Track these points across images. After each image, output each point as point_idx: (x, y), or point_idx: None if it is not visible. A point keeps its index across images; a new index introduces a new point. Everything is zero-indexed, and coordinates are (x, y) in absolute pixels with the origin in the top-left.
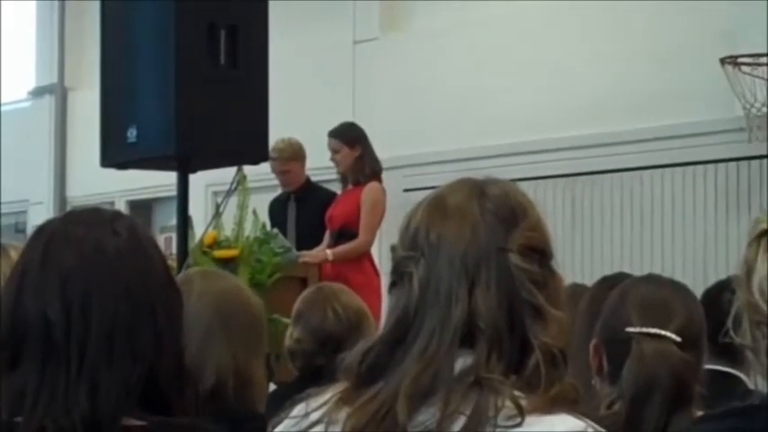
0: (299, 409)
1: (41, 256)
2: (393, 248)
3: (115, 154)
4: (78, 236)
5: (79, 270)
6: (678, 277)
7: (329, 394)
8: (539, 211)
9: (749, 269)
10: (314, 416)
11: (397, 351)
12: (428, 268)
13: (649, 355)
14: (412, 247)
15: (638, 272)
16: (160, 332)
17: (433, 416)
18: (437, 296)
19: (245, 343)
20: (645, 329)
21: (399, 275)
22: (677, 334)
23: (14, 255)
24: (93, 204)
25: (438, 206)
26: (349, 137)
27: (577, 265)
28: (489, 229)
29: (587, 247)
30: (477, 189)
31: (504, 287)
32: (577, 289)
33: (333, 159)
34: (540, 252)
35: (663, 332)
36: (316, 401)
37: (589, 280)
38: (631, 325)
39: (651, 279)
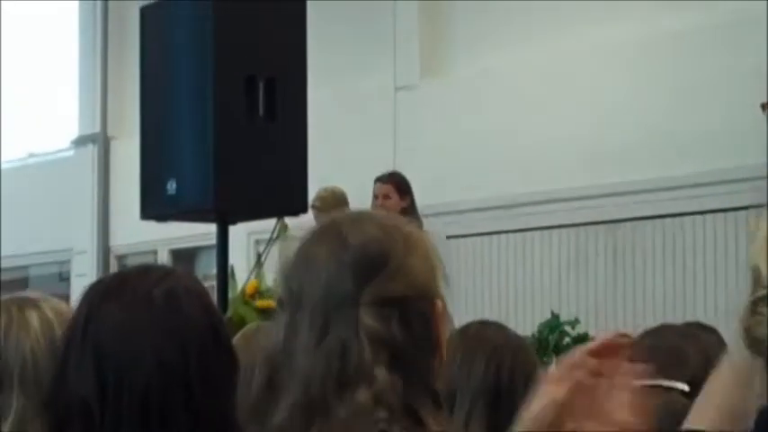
0: None
1: (83, 326)
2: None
3: (155, 207)
4: (117, 306)
5: (114, 345)
6: (721, 325)
7: None
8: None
9: None
10: None
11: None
12: (291, 316)
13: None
14: (282, 291)
15: (680, 319)
16: (197, 407)
17: None
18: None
19: None
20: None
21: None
22: (688, 382)
23: (47, 308)
24: (143, 263)
25: (304, 255)
26: (403, 185)
27: (619, 311)
28: (341, 282)
29: (629, 293)
30: (340, 239)
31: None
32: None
33: (379, 206)
34: (397, 300)
35: (665, 383)
36: None
37: (631, 326)
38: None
39: (659, 330)
